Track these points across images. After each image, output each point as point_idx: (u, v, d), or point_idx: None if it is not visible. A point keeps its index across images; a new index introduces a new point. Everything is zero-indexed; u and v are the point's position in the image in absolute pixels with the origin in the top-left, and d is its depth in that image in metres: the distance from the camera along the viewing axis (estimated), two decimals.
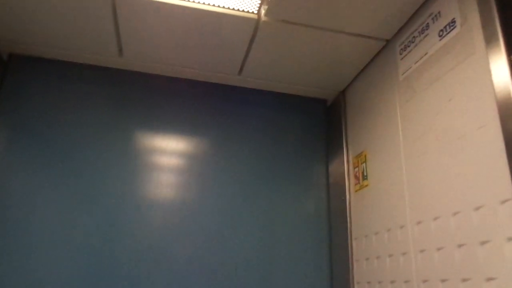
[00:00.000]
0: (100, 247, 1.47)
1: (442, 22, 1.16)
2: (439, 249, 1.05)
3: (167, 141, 1.67)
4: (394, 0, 1.24)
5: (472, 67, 1.02)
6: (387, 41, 1.44)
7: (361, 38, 1.43)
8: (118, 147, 1.61)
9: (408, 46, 1.31)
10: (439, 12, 1.18)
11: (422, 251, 1.13)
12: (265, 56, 1.56)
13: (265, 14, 1.33)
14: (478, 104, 0.98)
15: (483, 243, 0.91)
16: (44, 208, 1.48)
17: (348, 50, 1.50)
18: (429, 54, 1.20)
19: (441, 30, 1.15)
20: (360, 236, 1.49)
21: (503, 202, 0.87)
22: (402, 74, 1.33)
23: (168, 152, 1.66)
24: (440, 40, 1.15)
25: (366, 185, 1.49)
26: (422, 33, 1.24)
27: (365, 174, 1.51)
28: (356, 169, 1.59)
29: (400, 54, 1.36)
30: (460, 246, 0.98)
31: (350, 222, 1.58)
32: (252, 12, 1.35)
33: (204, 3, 1.32)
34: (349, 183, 1.63)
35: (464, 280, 0.95)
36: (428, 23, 1.22)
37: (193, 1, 1.31)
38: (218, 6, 1.33)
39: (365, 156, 1.53)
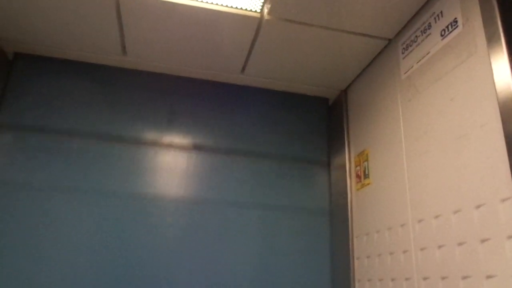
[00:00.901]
0: (101, 247, 1.49)
1: (444, 22, 1.16)
2: (440, 247, 1.06)
3: (170, 139, 1.68)
4: None
5: (473, 67, 1.03)
6: (389, 40, 1.45)
7: (363, 37, 1.44)
8: (122, 145, 1.62)
9: (410, 46, 1.32)
10: (441, 12, 1.18)
11: (423, 249, 1.13)
12: (268, 55, 1.57)
13: (268, 13, 1.34)
14: (479, 103, 0.99)
15: (483, 241, 0.92)
16: (48, 204, 1.49)
17: (350, 49, 1.51)
18: (431, 53, 1.20)
19: (443, 30, 1.16)
20: (361, 234, 1.50)
21: (504, 200, 0.88)
22: (404, 73, 1.34)
23: (171, 150, 1.67)
24: (442, 39, 1.16)
25: (368, 184, 1.50)
26: (424, 33, 1.25)
27: (366, 172, 1.52)
28: (358, 167, 1.60)
29: (402, 53, 1.36)
30: (460, 244, 0.99)
31: (352, 220, 1.59)
32: (255, 11, 1.36)
33: (207, 2, 1.32)
34: (351, 181, 1.64)
35: (464, 277, 0.96)
36: (430, 23, 1.23)
37: (197, 0, 1.32)
38: (221, 5, 1.34)
39: (367, 154, 1.53)
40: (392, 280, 1.27)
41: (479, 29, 1.02)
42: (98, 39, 1.53)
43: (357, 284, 1.49)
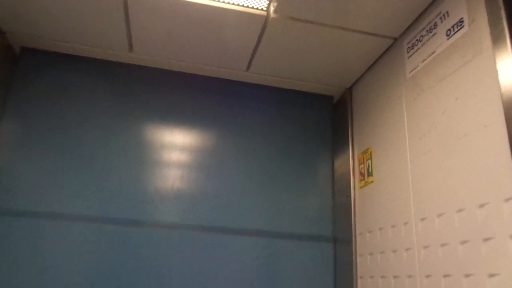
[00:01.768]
0: (102, 243, 1.51)
1: (450, 22, 1.17)
2: (442, 245, 1.07)
3: (175, 135, 1.70)
4: None
5: (479, 67, 1.03)
6: (395, 39, 1.45)
7: (368, 36, 1.44)
8: (127, 141, 1.64)
9: (416, 45, 1.32)
10: (447, 12, 1.19)
11: (425, 247, 1.15)
12: (273, 53, 1.58)
13: (274, 11, 1.34)
14: (484, 103, 1.00)
15: (486, 239, 0.93)
16: (55, 198, 1.51)
17: (356, 47, 1.51)
18: (437, 53, 1.21)
19: (449, 30, 1.17)
20: (364, 232, 1.51)
21: (507, 200, 0.89)
22: (409, 72, 1.34)
23: (177, 146, 1.68)
24: (448, 39, 1.17)
25: (371, 182, 1.51)
26: (430, 32, 1.25)
27: (370, 170, 1.53)
28: (362, 165, 1.61)
29: (408, 52, 1.37)
30: (463, 242, 1.00)
31: (355, 218, 1.60)
32: (261, 9, 1.36)
33: (214, 0, 1.33)
34: (354, 179, 1.65)
35: (467, 275, 0.97)
36: (436, 22, 1.23)
37: None
38: (228, 3, 1.34)
39: (371, 152, 1.54)
40: (395, 277, 1.28)
41: (485, 30, 1.02)
42: (105, 35, 1.54)
43: (359, 281, 1.51)
